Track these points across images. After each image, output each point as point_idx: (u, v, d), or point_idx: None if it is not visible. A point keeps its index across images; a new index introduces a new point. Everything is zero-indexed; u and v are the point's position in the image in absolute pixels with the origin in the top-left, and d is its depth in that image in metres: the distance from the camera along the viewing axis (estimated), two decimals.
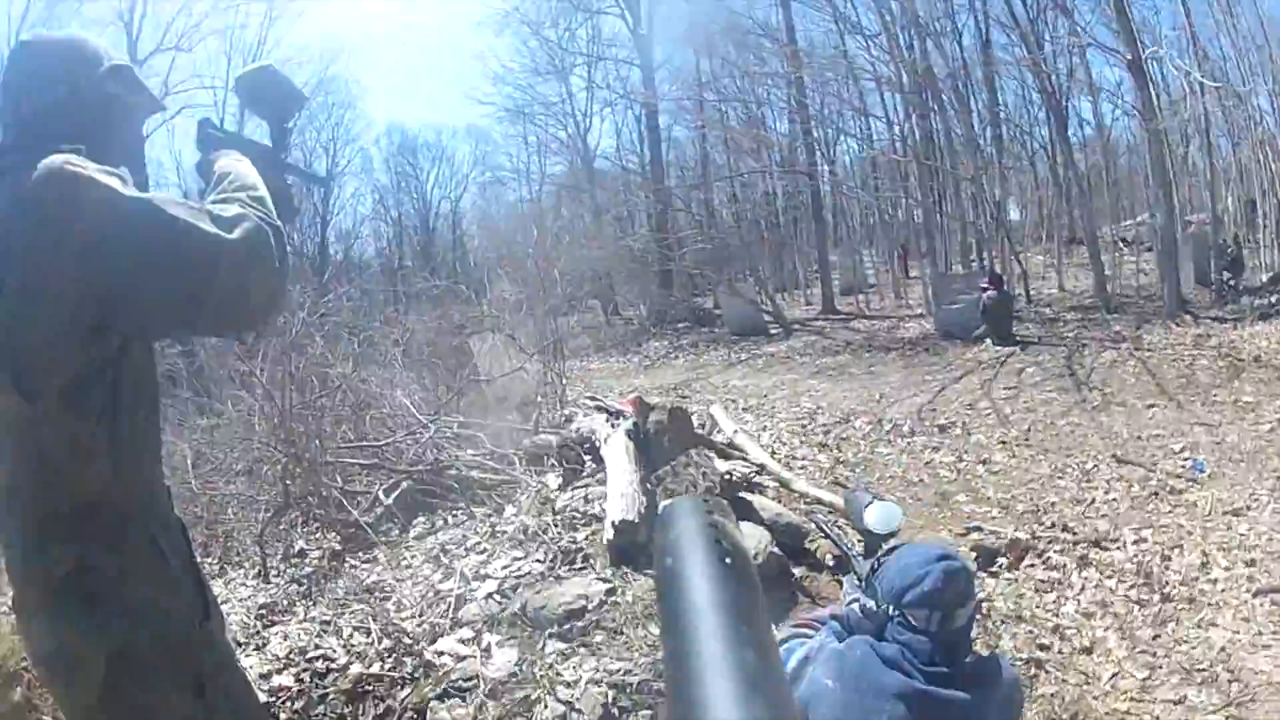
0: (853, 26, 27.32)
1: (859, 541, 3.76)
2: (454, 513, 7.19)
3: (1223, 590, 6.28)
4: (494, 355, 12.14)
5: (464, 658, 4.54)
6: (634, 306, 29.36)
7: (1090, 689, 5.14)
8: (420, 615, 5.19)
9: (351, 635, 4.98)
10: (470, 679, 4.29)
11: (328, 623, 5.17)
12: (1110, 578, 6.57)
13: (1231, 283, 19.22)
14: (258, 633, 5.23)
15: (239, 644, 4.95)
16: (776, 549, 5.38)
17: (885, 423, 11.69)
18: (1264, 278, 19.36)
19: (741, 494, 6.71)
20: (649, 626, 4.53)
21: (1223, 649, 5.51)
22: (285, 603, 5.79)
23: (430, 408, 8.93)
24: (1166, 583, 6.39)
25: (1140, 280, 22.01)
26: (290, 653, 4.80)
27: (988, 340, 17.58)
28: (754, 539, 5.26)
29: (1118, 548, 7.09)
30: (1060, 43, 24.37)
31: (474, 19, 47.39)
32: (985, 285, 18.60)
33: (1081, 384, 13.87)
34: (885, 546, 3.22)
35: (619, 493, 5.84)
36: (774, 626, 3.84)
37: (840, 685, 2.75)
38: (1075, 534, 7.34)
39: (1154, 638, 5.72)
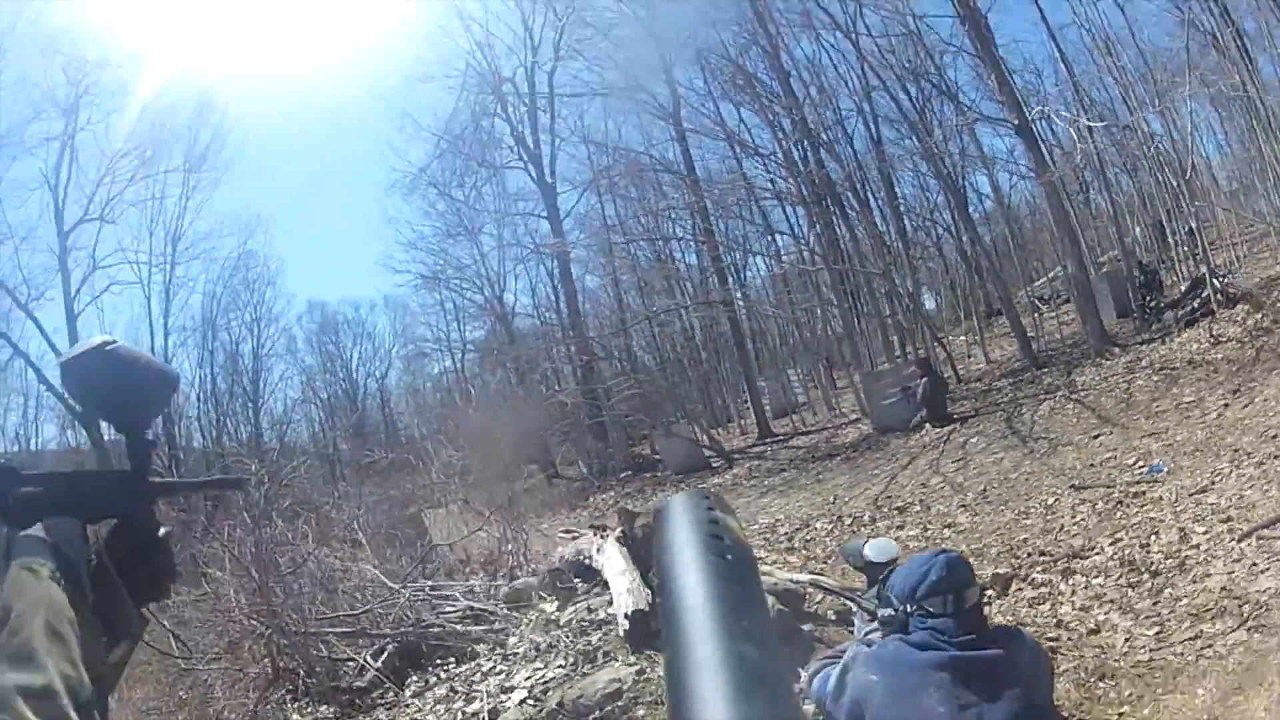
0: (747, 149, 28.08)
1: (858, 590, 4.26)
2: (444, 667, 7.12)
3: (1206, 550, 6.63)
4: (449, 521, 12.13)
5: None
6: (572, 464, 29.25)
7: (1108, 655, 5.45)
8: None
9: None
10: None
11: None
12: (1097, 577, 6.87)
13: (1152, 304, 19.59)
14: None
15: None
16: (783, 608, 5.53)
17: (845, 518, 11.80)
18: (1182, 290, 19.85)
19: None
20: None
21: (1223, 588, 5.85)
22: None
23: (396, 577, 8.86)
24: (1151, 563, 6.70)
25: (1064, 331, 22.51)
26: None
27: (926, 425, 17.78)
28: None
29: (1097, 553, 7.39)
30: (949, 125, 25.28)
31: (383, 183, 47.79)
32: (916, 372, 18.99)
33: (1025, 438, 14.14)
34: (887, 569, 3.69)
35: (624, 589, 5.93)
36: (799, 664, 3.94)
37: (883, 676, 3.15)
38: (1052, 555, 7.59)
39: (1154, 604, 6.02)
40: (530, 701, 5.21)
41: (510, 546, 10.33)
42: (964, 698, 3.03)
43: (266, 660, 7.37)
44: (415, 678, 7.10)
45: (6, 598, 1.27)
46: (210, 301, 36.79)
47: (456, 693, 6.14)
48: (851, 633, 4.95)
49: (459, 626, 7.60)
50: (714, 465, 23.68)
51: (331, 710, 6.85)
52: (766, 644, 0.75)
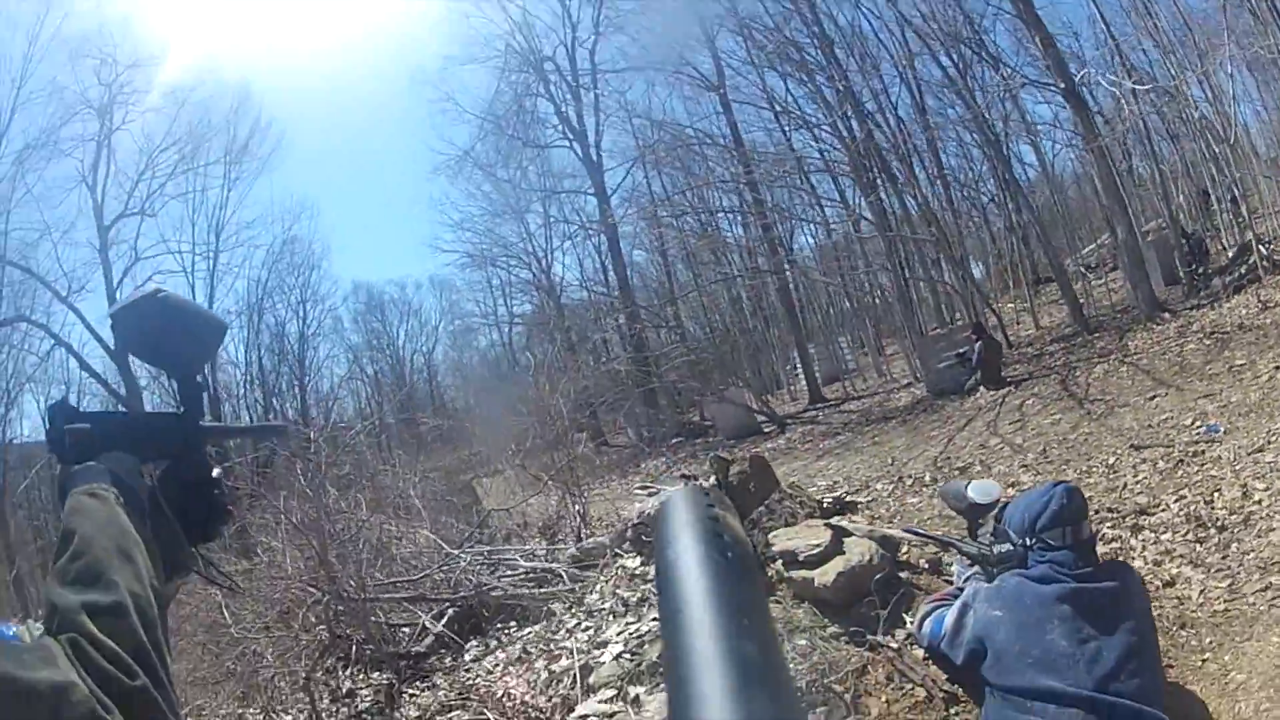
0: (794, 118, 27.93)
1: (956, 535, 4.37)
2: (506, 631, 7.04)
3: (1269, 505, 6.64)
4: (503, 489, 12.11)
5: (612, 715, 4.48)
6: (620, 433, 29.26)
7: (1185, 606, 5.42)
8: (541, 695, 5.09)
9: None
10: None
11: None
12: (1165, 533, 6.81)
13: (1200, 272, 19.53)
14: None
15: None
16: (884, 552, 5.39)
17: (906, 479, 11.61)
18: (1229, 256, 19.68)
19: (837, 518, 6.68)
20: (794, 639, 4.57)
21: None
22: None
23: (454, 543, 8.81)
24: (1216, 519, 6.66)
25: (1112, 298, 22.45)
26: None
27: (981, 388, 17.65)
28: (862, 550, 5.28)
29: (1162, 510, 7.33)
30: (993, 91, 25.01)
31: (428, 167, 48.14)
32: (971, 337, 18.76)
33: (1082, 400, 14.08)
34: (997, 508, 3.77)
35: None
36: (905, 605, 3.90)
37: (1006, 610, 3.26)
38: (1119, 512, 7.52)
39: (1223, 558, 6.01)
40: (626, 656, 5.09)
41: (574, 509, 10.29)
42: (1084, 630, 3.13)
43: (321, 628, 7.34)
44: (475, 642, 7.02)
45: (68, 522, 1.26)
46: (255, 286, 37.57)
47: (531, 653, 6.03)
48: (948, 580, 4.98)
49: (523, 589, 7.51)
50: (765, 430, 23.67)
51: (386, 677, 6.78)
52: (768, 642, 0.73)
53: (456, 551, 8.33)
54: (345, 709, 6.36)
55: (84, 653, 1.08)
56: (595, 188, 33.09)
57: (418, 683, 6.53)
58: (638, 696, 4.56)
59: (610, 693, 4.74)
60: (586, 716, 4.56)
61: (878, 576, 5.07)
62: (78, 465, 1.38)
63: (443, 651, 7.04)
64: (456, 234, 38.48)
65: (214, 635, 8.00)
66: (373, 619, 7.34)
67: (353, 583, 7.34)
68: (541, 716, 4.76)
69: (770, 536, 5.72)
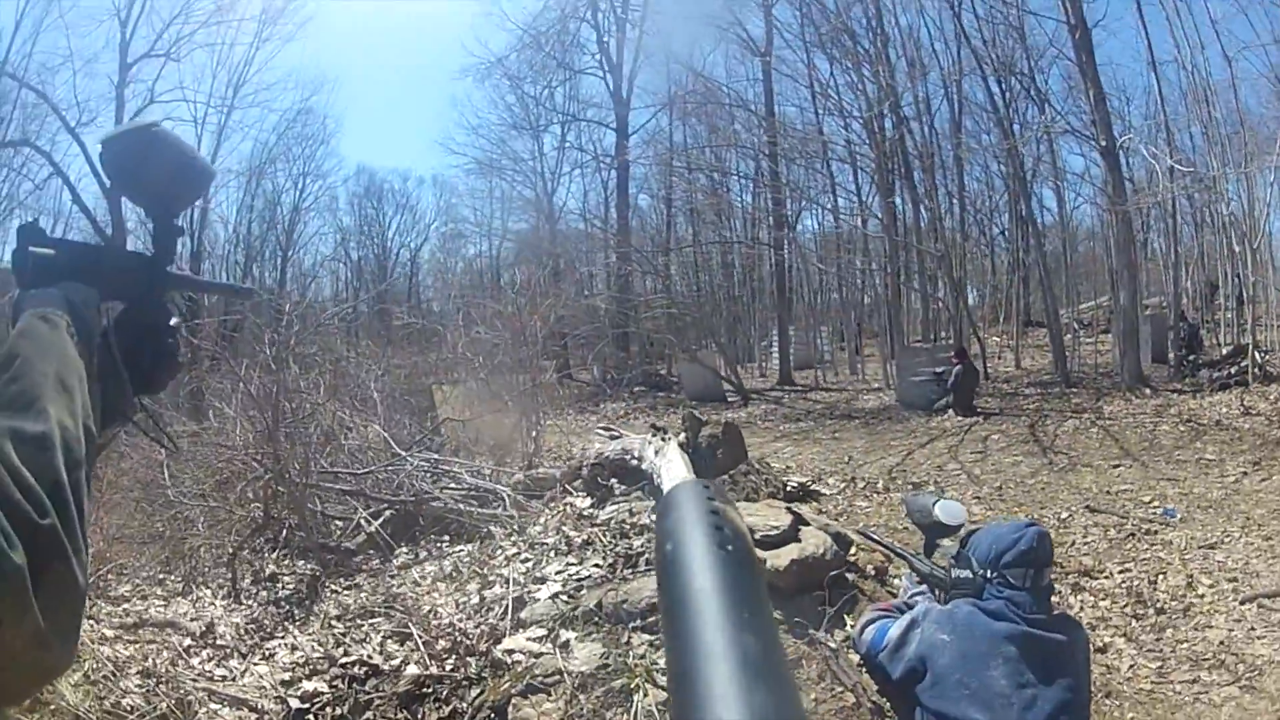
0: (831, 102, 27.82)
1: (908, 549, 4.29)
2: (438, 544, 6.99)
3: (1211, 602, 6.83)
4: (461, 401, 12.01)
5: (539, 655, 4.42)
6: (586, 369, 29.24)
7: (1113, 676, 5.62)
8: (470, 620, 5.04)
9: (384, 643, 4.84)
10: (551, 674, 4.19)
11: (344, 633, 4.98)
12: (1104, 599, 7.01)
13: (1191, 359, 19.68)
14: (258, 644, 5.02)
15: (241, 654, 4.78)
16: (837, 548, 5.39)
17: (859, 480, 11.72)
18: (1222, 353, 19.85)
19: (798, 503, 6.72)
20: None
21: (1222, 643, 6.07)
22: (270, 622, 5.55)
23: (403, 445, 8.72)
24: (1157, 600, 6.88)
25: (1098, 360, 22.65)
26: (307, 661, 4.60)
27: (950, 410, 17.72)
28: (818, 542, 5.29)
29: (1105, 577, 7.54)
30: (1032, 128, 25.00)
31: (457, 66, 47.76)
32: (952, 359, 18.81)
33: (1047, 449, 14.12)
34: (962, 532, 3.77)
35: None
36: (862, 612, 3.91)
37: (954, 637, 3.24)
38: (1063, 568, 7.63)
39: (1156, 640, 6.22)
40: (563, 597, 5.04)
41: (529, 435, 10.24)
42: (1025, 675, 3.12)
43: (256, 505, 7.27)
44: (405, 549, 6.97)
45: (12, 344, 1.17)
46: (261, 149, 37.02)
47: (463, 573, 5.98)
48: (891, 592, 5.08)
49: (463, 506, 7.45)
50: (729, 399, 23.69)
51: (311, 567, 6.72)
52: (768, 635, 0.72)
53: (404, 454, 8.27)
54: (265, 591, 6.28)
55: None
56: (618, 123, 32.91)
57: (341, 579, 6.46)
58: (568, 641, 4.51)
59: (541, 631, 4.71)
60: (513, 651, 4.51)
61: (832, 573, 5.13)
62: (35, 290, 1.30)
63: (371, 552, 7.01)
64: (470, 138, 38.34)
65: (149, 494, 7.90)
66: (309, 506, 7.26)
67: (297, 465, 7.26)
68: (467, 642, 4.69)
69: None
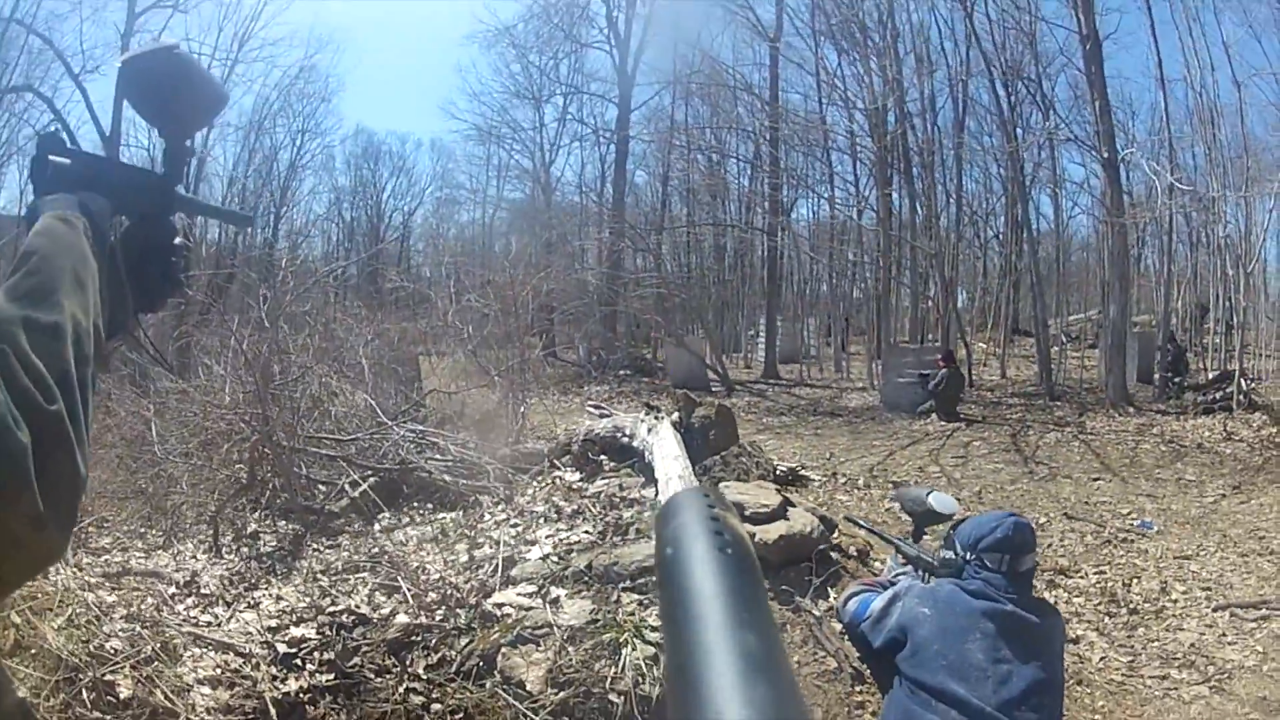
0: (837, 92, 27.80)
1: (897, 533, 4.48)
2: (421, 511, 7.06)
3: (1183, 607, 7.04)
4: (447, 373, 12.02)
5: (529, 609, 4.53)
6: (572, 349, 29.19)
7: (1084, 666, 5.78)
8: (459, 575, 5.14)
9: (372, 594, 4.91)
10: (540, 627, 4.32)
11: (329, 586, 5.04)
12: (1078, 596, 7.22)
13: (1176, 381, 19.74)
14: (242, 594, 5.06)
15: (226, 603, 4.82)
16: (823, 527, 5.62)
17: (840, 476, 11.72)
18: (1208, 377, 19.95)
19: (787, 487, 6.97)
20: None
21: (1192, 645, 6.25)
22: (252, 575, 5.59)
23: (389, 413, 8.72)
24: (1130, 601, 7.07)
25: (1083, 374, 22.71)
26: (293, 610, 4.65)
27: (934, 414, 17.78)
28: (805, 521, 5.52)
29: (1080, 576, 7.75)
30: (1035, 133, 25.04)
31: (463, 32, 47.65)
32: (939, 362, 18.90)
33: (1028, 458, 14.26)
34: (952, 520, 4.00)
35: (676, 474, 5.85)
36: (845, 587, 4.11)
37: (934, 611, 3.40)
38: (1040, 566, 7.79)
39: (1128, 637, 6.40)
40: (554, 558, 5.13)
41: (516, 411, 10.28)
42: (1001, 652, 3.28)
43: (241, 466, 7.30)
44: (387, 514, 7.01)
45: (31, 242, 1.22)
46: (262, 104, 36.78)
47: (450, 535, 6.04)
48: (873, 572, 5.31)
49: (447, 476, 7.49)
50: (714, 389, 23.62)
51: (293, 527, 6.74)
52: (768, 634, 0.73)
53: (390, 422, 8.27)
54: (247, 548, 6.30)
55: (8, 365, 1.03)
56: (620, 98, 32.78)
57: (324, 539, 6.51)
58: (559, 598, 4.62)
59: (531, 588, 4.80)
60: (503, 605, 4.59)
61: (819, 548, 5.34)
62: (52, 194, 1.34)
63: (353, 516, 7.03)
64: (471, 104, 38.30)
65: (133, 450, 7.89)
66: (295, 470, 7.28)
67: (284, 428, 7.27)
68: (457, 595, 4.77)
69: (721, 487, 5.82)
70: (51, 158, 1.38)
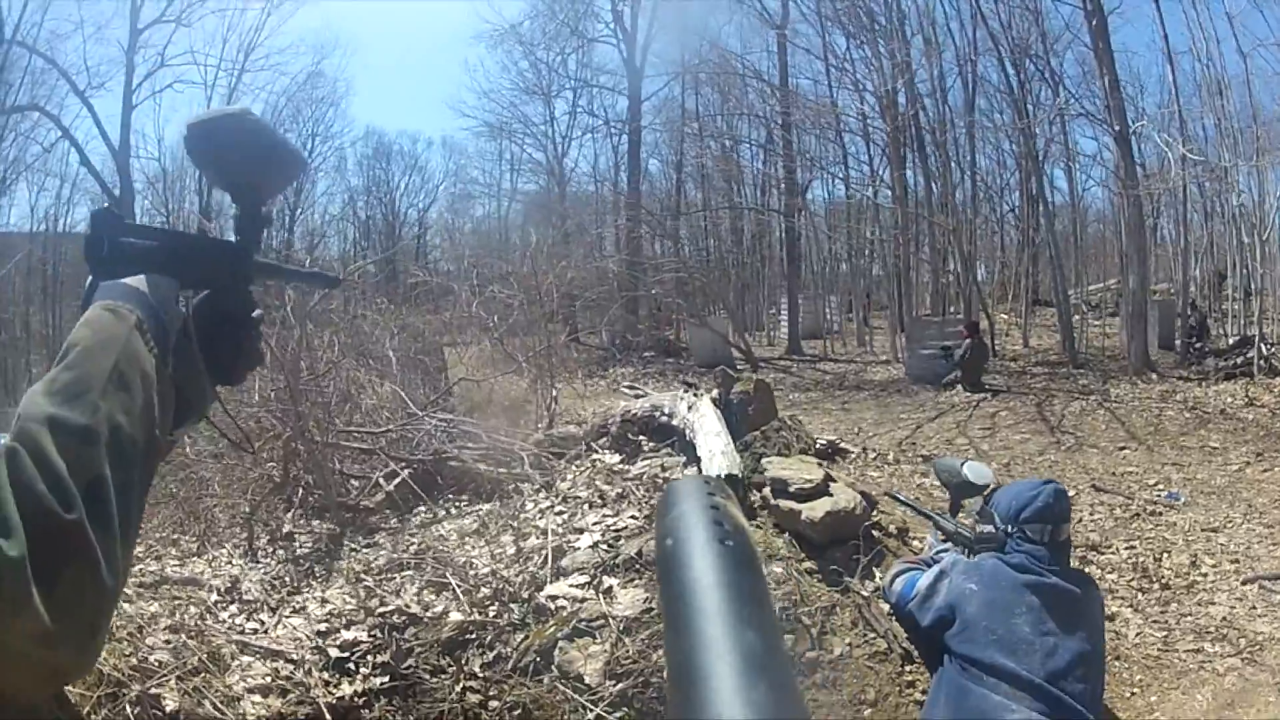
0: (846, 75, 27.95)
1: (934, 508, 4.58)
2: (456, 504, 7.00)
3: (1214, 580, 7.01)
4: (474, 362, 12.02)
5: (582, 600, 4.51)
6: (595, 333, 29.24)
7: (1120, 642, 5.78)
8: (509, 569, 5.10)
9: (420, 593, 4.86)
10: (595, 618, 4.29)
11: (374, 586, 5.00)
12: (1111, 573, 7.17)
13: (1198, 347, 19.67)
14: (285, 599, 5.01)
15: (270, 609, 4.77)
16: (865, 503, 5.59)
17: (870, 451, 11.67)
18: (1228, 343, 19.88)
19: (828, 461, 7.07)
20: (771, 566, 4.73)
21: (1224, 619, 6.23)
22: (291, 579, 5.54)
23: (419, 404, 8.69)
24: (1162, 576, 7.05)
25: (1105, 342, 22.64)
26: (340, 613, 4.61)
27: (959, 386, 17.70)
28: (849, 497, 5.48)
29: (1112, 552, 7.70)
30: (1046, 109, 25.06)
31: (471, 31, 48.07)
32: (963, 333, 18.84)
33: (1054, 428, 14.20)
34: (987, 491, 4.04)
35: (719, 450, 5.84)
36: (888, 567, 4.15)
37: (981, 586, 3.44)
38: (1072, 541, 7.72)
39: (1161, 612, 6.39)
40: (604, 546, 5.09)
41: (546, 396, 10.28)
42: (1046, 624, 3.33)
43: (273, 465, 7.24)
44: (422, 508, 6.96)
45: (74, 333, 1.13)
46: (271, 113, 37.23)
47: (491, 527, 5.99)
48: (914, 551, 5.28)
49: (481, 465, 7.44)
50: (738, 367, 23.60)
51: (328, 526, 6.70)
52: (770, 631, 0.72)
53: (421, 413, 8.24)
54: (283, 550, 6.26)
55: (20, 466, 0.95)
56: (630, 90, 32.84)
57: (360, 537, 6.46)
58: (611, 587, 4.60)
59: (583, 578, 4.76)
60: (556, 598, 4.57)
61: (865, 525, 5.32)
62: (107, 280, 1.23)
63: (388, 512, 7.00)
64: (481, 101, 38.60)
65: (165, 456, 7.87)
66: (328, 465, 7.24)
67: (316, 423, 7.23)
68: (509, 589, 4.74)
69: (763, 462, 5.79)
70: (109, 239, 1.26)
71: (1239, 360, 17.99)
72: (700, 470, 5.76)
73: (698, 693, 0.63)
